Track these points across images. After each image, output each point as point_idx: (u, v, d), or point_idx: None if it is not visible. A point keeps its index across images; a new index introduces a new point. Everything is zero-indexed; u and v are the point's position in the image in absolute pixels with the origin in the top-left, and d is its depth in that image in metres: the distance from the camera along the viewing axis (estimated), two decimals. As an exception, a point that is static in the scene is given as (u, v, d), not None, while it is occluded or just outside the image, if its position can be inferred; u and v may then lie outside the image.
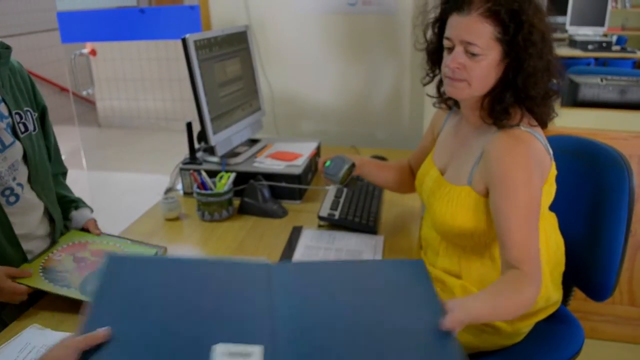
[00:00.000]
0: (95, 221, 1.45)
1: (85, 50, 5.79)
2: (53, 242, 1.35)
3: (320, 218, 1.53)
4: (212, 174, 1.66)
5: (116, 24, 5.80)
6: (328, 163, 1.46)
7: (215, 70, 1.73)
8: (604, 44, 4.65)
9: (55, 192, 1.41)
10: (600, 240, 1.35)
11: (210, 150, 1.77)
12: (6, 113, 1.24)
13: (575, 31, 5.03)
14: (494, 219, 1.14)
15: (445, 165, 1.33)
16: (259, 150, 1.92)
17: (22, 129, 1.27)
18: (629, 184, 1.31)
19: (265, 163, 1.78)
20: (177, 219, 1.61)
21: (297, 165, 1.75)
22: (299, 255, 1.37)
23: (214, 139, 1.70)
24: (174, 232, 1.55)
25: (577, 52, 4.66)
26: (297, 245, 1.42)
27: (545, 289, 1.26)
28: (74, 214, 1.45)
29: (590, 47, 4.64)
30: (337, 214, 1.53)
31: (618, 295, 2.20)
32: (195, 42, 1.61)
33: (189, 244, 1.50)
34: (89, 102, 6.45)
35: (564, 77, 1.20)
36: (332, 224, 1.52)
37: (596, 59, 4.52)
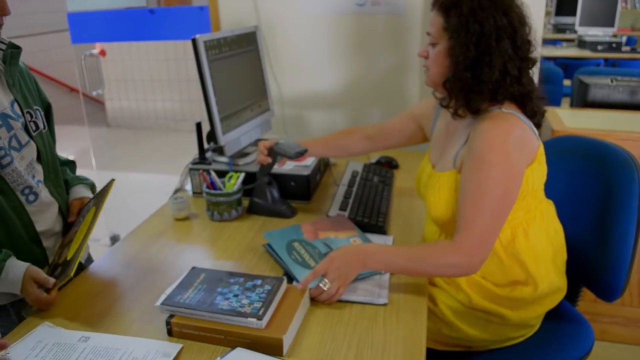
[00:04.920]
0: (80, 201, 1.40)
1: (95, 51, 5.83)
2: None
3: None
4: (222, 174, 1.66)
5: (126, 24, 5.84)
6: (282, 141, 1.61)
7: (224, 71, 1.74)
8: (614, 45, 4.63)
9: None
10: (609, 241, 1.35)
11: (220, 151, 1.78)
12: (19, 112, 1.25)
13: (584, 32, 5.01)
14: (459, 194, 1.21)
15: (436, 159, 1.39)
16: (268, 151, 1.92)
17: (34, 128, 1.29)
18: (638, 185, 1.31)
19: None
20: (186, 218, 1.62)
21: (306, 166, 1.75)
22: (307, 255, 1.37)
23: (223, 139, 1.70)
24: (183, 231, 1.56)
25: (586, 53, 4.64)
26: (306, 245, 1.42)
27: (547, 274, 1.29)
28: (68, 199, 1.42)
29: (599, 47, 4.62)
30: (346, 214, 1.53)
31: (628, 297, 2.19)
32: (205, 42, 1.62)
33: (198, 244, 1.50)
34: (99, 103, 6.50)
35: (520, 70, 1.24)
36: (341, 224, 1.52)
37: (606, 59, 4.50)
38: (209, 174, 1.62)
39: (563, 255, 1.36)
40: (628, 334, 2.22)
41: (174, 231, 1.56)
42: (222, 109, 1.70)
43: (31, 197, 1.26)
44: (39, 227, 1.28)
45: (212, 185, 1.61)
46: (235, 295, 1.08)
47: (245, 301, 1.06)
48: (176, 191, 1.84)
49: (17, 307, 1.25)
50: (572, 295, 1.47)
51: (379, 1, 2.22)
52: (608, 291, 1.36)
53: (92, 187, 1.49)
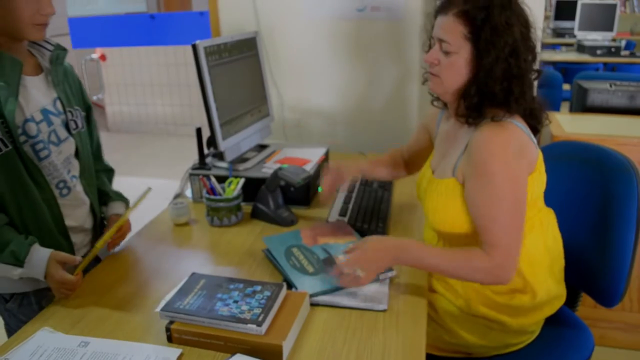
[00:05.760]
0: (117, 217, 1.46)
1: (95, 56, 5.85)
2: (94, 237, 1.43)
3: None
4: (221, 179, 1.67)
5: (126, 29, 5.86)
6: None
7: (224, 76, 1.74)
8: (613, 49, 4.64)
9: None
10: (609, 246, 1.35)
11: (220, 156, 1.78)
12: (61, 110, 1.31)
13: (583, 36, 5.02)
14: (470, 208, 1.21)
15: (436, 164, 1.39)
16: (268, 156, 1.93)
17: (74, 126, 1.35)
18: (637, 190, 1.31)
19: (274, 169, 1.79)
20: (186, 224, 1.62)
21: (306, 171, 1.75)
22: (307, 260, 1.38)
23: (223, 145, 1.71)
24: (183, 237, 1.56)
25: (585, 57, 4.65)
26: (306, 250, 1.43)
27: (545, 282, 1.29)
28: (104, 210, 1.50)
29: (598, 52, 4.63)
30: (345, 219, 1.54)
31: (628, 302, 2.18)
32: (205, 48, 1.63)
33: (198, 249, 1.51)
34: (99, 107, 6.51)
35: (531, 83, 1.25)
36: (340, 229, 1.52)
37: (605, 64, 4.51)
38: (209, 179, 1.62)
39: (561, 263, 1.36)
40: (628, 339, 2.22)
41: (173, 236, 1.56)
42: (222, 115, 1.70)
43: (64, 191, 1.32)
44: (68, 222, 1.34)
45: (212, 191, 1.61)
46: (235, 302, 1.08)
47: (244, 307, 1.06)
48: (176, 196, 1.84)
49: (39, 296, 1.30)
50: (571, 300, 1.47)
51: (379, 7, 2.23)
52: (607, 297, 1.37)
53: (127, 204, 1.55)
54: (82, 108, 1.42)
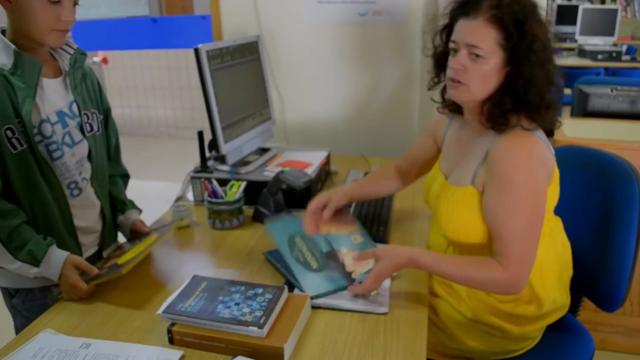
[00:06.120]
0: (141, 222, 1.50)
1: (97, 59, 5.86)
2: (102, 240, 1.45)
3: (330, 227, 1.54)
4: (223, 182, 1.67)
5: (129, 33, 5.87)
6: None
7: (226, 80, 1.75)
8: (614, 54, 4.64)
9: (109, 191, 1.49)
10: (610, 251, 1.35)
11: (221, 159, 1.79)
12: (77, 112, 1.34)
13: (584, 41, 5.03)
14: (486, 215, 1.19)
15: (449, 170, 1.35)
16: (270, 159, 1.94)
17: (88, 129, 1.37)
18: (638, 194, 1.31)
19: (276, 172, 1.79)
20: (187, 226, 1.63)
21: (308, 175, 1.76)
22: (308, 263, 1.38)
23: (224, 148, 1.71)
24: (184, 239, 1.57)
25: (586, 62, 4.65)
26: (307, 253, 1.43)
27: (552, 292, 1.28)
28: (121, 218, 1.50)
29: (600, 56, 4.64)
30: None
31: (629, 307, 2.18)
32: (207, 52, 1.63)
33: (199, 252, 1.51)
34: (100, 110, 6.52)
35: (561, 87, 1.23)
36: (341, 233, 1.53)
37: (606, 68, 4.51)
38: (211, 182, 1.63)
39: (569, 271, 1.35)
40: (629, 344, 2.22)
41: (175, 239, 1.57)
42: (223, 118, 1.71)
43: (75, 192, 1.34)
44: (77, 222, 1.35)
45: (214, 194, 1.61)
46: (237, 304, 1.08)
47: (246, 310, 1.06)
48: (178, 199, 1.85)
49: (44, 292, 1.32)
50: (573, 305, 1.47)
51: (381, 11, 2.24)
52: (609, 301, 1.37)
53: (140, 212, 1.57)
54: (99, 111, 1.44)
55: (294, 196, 1.70)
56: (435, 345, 1.35)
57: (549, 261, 1.27)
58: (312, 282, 1.23)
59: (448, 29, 1.26)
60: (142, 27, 5.93)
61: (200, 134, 1.81)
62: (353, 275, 1.26)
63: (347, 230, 1.41)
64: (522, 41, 1.13)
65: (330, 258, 1.31)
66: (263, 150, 2.02)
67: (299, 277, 1.24)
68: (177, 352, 1.02)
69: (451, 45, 1.21)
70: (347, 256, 1.33)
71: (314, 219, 1.41)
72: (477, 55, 1.15)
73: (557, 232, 1.31)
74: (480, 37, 1.15)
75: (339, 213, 1.47)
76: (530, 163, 1.15)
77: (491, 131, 1.22)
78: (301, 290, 1.22)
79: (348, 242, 1.38)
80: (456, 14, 1.21)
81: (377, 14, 2.24)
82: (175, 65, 5.86)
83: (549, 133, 1.25)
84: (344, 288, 1.22)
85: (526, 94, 1.16)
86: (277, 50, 2.38)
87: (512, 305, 1.26)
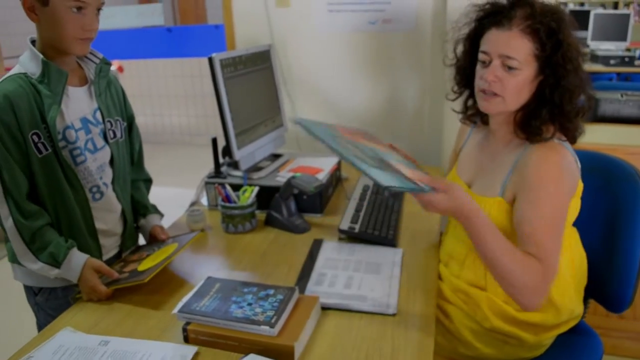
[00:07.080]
0: (161, 227, 1.54)
1: (113, 67, 5.96)
2: (123, 242, 1.50)
3: (341, 231, 1.56)
4: (236, 187, 1.71)
5: (144, 42, 5.96)
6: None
7: (239, 88, 1.79)
8: (627, 59, 4.62)
9: (132, 195, 1.54)
10: (617, 253, 1.37)
11: (234, 165, 1.83)
12: (100, 120, 1.38)
13: (596, 46, 5.00)
14: (516, 223, 1.17)
15: (471, 178, 1.35)
16: (282, 165, 1.97)
17: (112, 136, 1.42)
18: (644, 198, 1.33)
19: (288, 177, 1.83)
20: (202, 230, 1.67)
21: (319, 180, 1.79)
22: (319, 266, 1.40)
23: (238, 154, 1.75)
24: (198, 243, 1.60)
25: (598, 67, 4.63)
26: (318, 257, 1.45)
27: (570, 302, 1.28)
28: (142, 222, 1.55)
29: (612, 61, 4.61)
30: (357, 227, 1.57)
31: (640, 311, 2.18)
32: (221, 60, 1.68)
33: (213, 255, 1.55)
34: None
35: (594, 94, 1.23)
36: (352, 237, 1.55)
37: (618, 73, 4.48)
38: (224, 187, 1.67)
39: (584, 282, 1.35)
40: (641, 349, 2.21)
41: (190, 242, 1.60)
42: (237, 125, 1.75)
43: (97, 196, 1.39)
44: (99, 224, 1.40)
45: (227, 199, 1.65)
46: (249, 304, 1.12)
47: (258, 310, 1.10)
48: (192, 204, 1.89)
49: (67, 291, 1.36)
50: (580, 308, 1.49)
51: (390, 19, 2.27)
52: (616, 303, 1.38)
53: (162, 216, 1.61)
54: (123, 118, 1.49)
55: (305, 201, 1.74)
56: (450, 353, 1.35)
57: (568, 272, 1.27)
58: (379, 174, 1.08)
59: (474, 39, 1.25)
60: (157, 36, 6.03)
61: (214, 141, 1.85)
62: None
63: (385, 149, 1.31)
64: (558, 51, 1.12)
65: (384, 164, 1.17)
66: (275, 157, 2.06)
67: (359, 165, 1.08)
68: (192, 348, 1.05)
69: (482, 56, 1.19)
70: (400, 167, 1.19)
71: (347, 130, 1.31)
72: (511, 67, 1.14)
73: (575, 244, 1.32)
74: (516, 48, 1.13)
75: (365, 134, 1.38)
76: (562, 175, 1.15)
77: (518, 140, 1.22)
78: (364, 171, 1.06)
79: (393, 157, 1.27)
80: (486, 24, 1.20)
81: (387, 22, 2.28)
82: (189, 74, 5.94)
83: (572, 141, 1.25)
84: (419, 190, 1.08)
85: (563, 103, 1.15)
86: (288, 58, 2.43)
87: (529, 314, 1.25)
